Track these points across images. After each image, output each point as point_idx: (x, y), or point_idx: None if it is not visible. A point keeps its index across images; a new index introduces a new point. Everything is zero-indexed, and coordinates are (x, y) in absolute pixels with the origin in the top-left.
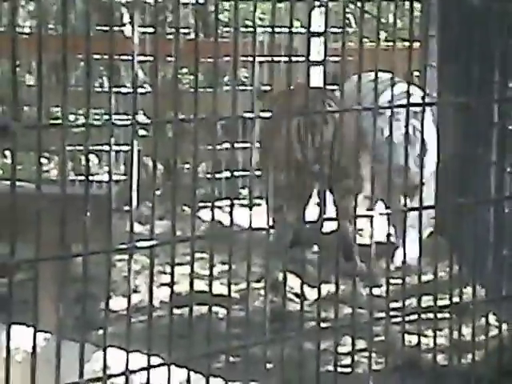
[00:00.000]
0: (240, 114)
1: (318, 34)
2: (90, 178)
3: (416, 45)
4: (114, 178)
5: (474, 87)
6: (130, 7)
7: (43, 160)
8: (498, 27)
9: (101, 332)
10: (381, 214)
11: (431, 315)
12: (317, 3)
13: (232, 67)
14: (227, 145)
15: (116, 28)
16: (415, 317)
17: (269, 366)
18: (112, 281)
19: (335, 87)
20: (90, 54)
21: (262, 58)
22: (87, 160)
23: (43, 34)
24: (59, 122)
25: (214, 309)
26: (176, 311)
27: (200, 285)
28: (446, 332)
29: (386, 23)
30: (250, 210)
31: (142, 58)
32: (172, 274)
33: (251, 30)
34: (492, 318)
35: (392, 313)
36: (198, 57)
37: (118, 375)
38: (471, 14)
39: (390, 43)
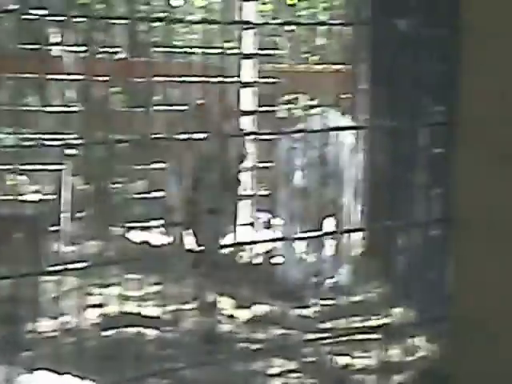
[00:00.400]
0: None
1: (249, 56)
2: (19, 197)
3: (347, 68)
4: (43, 197)
5: (405, 111)
6: (60, 26)
7: None
8: (427, 52)
9: (26, 354)
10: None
11: (359, 336)
12: (247, 26)
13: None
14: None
15: (43, 47)
16: (345, 338)
17: None
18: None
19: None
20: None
21: (195, 79)
22: (15, 180)
23: None
24: None
25: (145, 331)
26: (105, 333)
27: (130, 306)
28: (374, 353)
29: (317, 46)
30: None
31: (71, 77)
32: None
33: (182, 50)
34: (419, 340)
35: (323, 334)
36: (128, 76)
37: None
38: (402, 39)
39: (321, 66)
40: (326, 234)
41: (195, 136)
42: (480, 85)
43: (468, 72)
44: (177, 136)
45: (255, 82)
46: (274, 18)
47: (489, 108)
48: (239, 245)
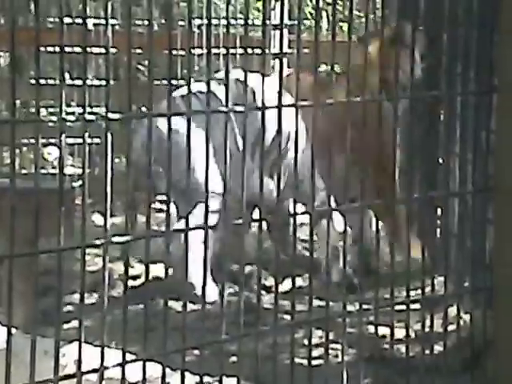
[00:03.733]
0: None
1: (275, 27)
2: (54, 171)
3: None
4: (77, 171)
5: (442, 80)
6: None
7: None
8: (463, 20)
9: (66, 326)
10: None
11: (399, 307)
12: None
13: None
14: None
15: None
16: (385, 308)
17: (241, 359)
18: (76, 275)
19: None
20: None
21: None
22: (61, 155)
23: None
24: (32, 117)
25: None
26: (142, 305)
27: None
28: (410, 324)
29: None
30: None
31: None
32: (147, 267)
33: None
34: (459, 309)
35: (364, 305)
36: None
37: (92, 371)
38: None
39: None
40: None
41: None
42: None
43: (506, 40)
44: None
45: (286, 52)
46: None
47: None
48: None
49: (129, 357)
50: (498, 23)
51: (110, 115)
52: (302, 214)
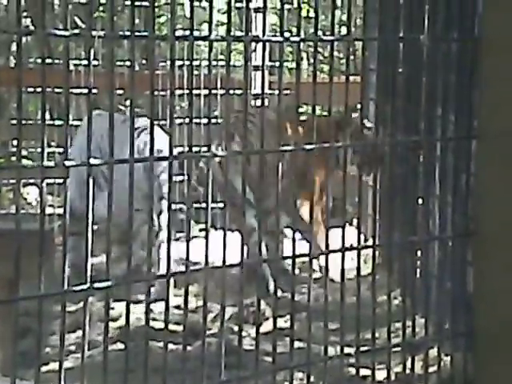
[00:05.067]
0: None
1: (257, 68)
2: (33, 211)
3: (357, 79)
4: (57, 211)
5: (423, 125)
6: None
7: None
8: (444, 65)
9: (44, 369)
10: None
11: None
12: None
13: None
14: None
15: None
16: (366, 349)
17: None
18: (55, 316)
19: None
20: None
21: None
22: (41, 196)
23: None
24: (14, 162)
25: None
26: (123, 346)
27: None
28: (391, 366)
29: (327, 57)
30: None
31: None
32: (127, 312)
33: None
34: (439, 352)
35: (346, 349)
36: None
37: None
38: (418, 53)
39: (331, 77)
40: (347, 249)
41: None
42: (498, 98)
43: (486, 85)
44: None
45: (268, 93)
46: (282, 32)
47: (508, 121)
48: None
49: None
50: (477, 68)
51: (92, 161)
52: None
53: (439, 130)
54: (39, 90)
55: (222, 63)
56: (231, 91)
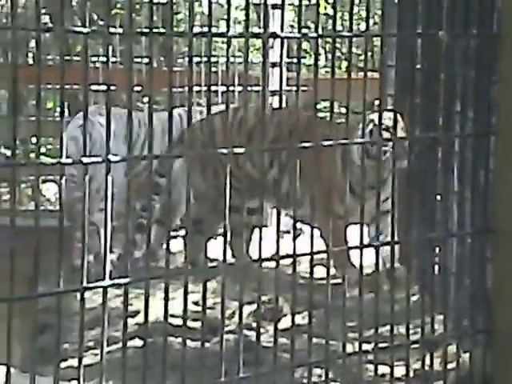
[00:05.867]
0: None
1: (274, 65)
2: (52, 207)
3: (375, 75)
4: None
5: (441, 121)
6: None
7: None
8: (464, 62)
9: (64, 365)
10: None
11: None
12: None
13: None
14: None
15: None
16: (384, 346)
17: None
18: (74, 312)
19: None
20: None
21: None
22: (60, 192)
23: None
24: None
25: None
26: (141, 342)
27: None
28: (410, 362)
29: (345, 53)
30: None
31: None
32: (146, 309)
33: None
34: (457, 349)
35: (364, 345)
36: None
37: None
38: (437, 50)
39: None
40: (365, 246)
41: None
42: None
43: (504, 81)
44: None
45: (286, 90)
46: (300, 28)
47: None
48: None
49: None
50: (496, 63)
51: (111, 157)
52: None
53: (458, 126)
54: (58, 86)
55: (240, 60)
56: (249, 88)
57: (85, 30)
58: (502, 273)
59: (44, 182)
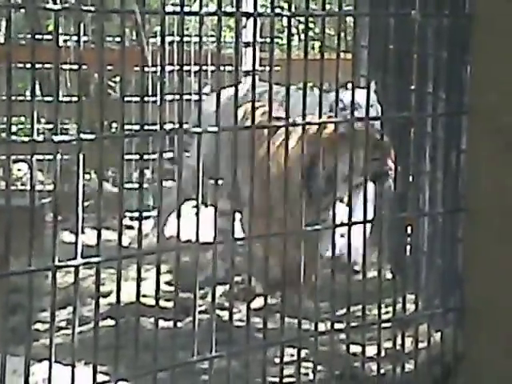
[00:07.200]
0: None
1: (247, 45)
2: (23, 188)
3: (348, 56)
4: (50, 188)
5: (413, 101)
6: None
7: None
8: (436, 41)
9: (35, 344)
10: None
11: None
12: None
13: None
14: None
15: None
16: (356, 325)
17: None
18: (46, 292)
19: None
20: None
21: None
22: (32, 175)
23: None
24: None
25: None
26: (114, 322)
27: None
28: (381, 342)
29: (318, 34)
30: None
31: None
32: (118, 288)
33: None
34: (428, 328)
35: (336, 325)
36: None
37: None
38: (410, 29)
39: (323, 54)
40: (337, 225)
41: None
42: (489, 74)
43: (476, 61)
44: None
45: (258, 70)
46: (273, 7)
47: (499, 96)
48: None
49: (100, 377)
50: (469, 43)
51: (83, 136)
52: None
53: (430, 106)
54: (29, 65)
55: (213, 39)
56: (222, 67)
57: (56, 7)
58: (473, 252)
59: (15, 161)
